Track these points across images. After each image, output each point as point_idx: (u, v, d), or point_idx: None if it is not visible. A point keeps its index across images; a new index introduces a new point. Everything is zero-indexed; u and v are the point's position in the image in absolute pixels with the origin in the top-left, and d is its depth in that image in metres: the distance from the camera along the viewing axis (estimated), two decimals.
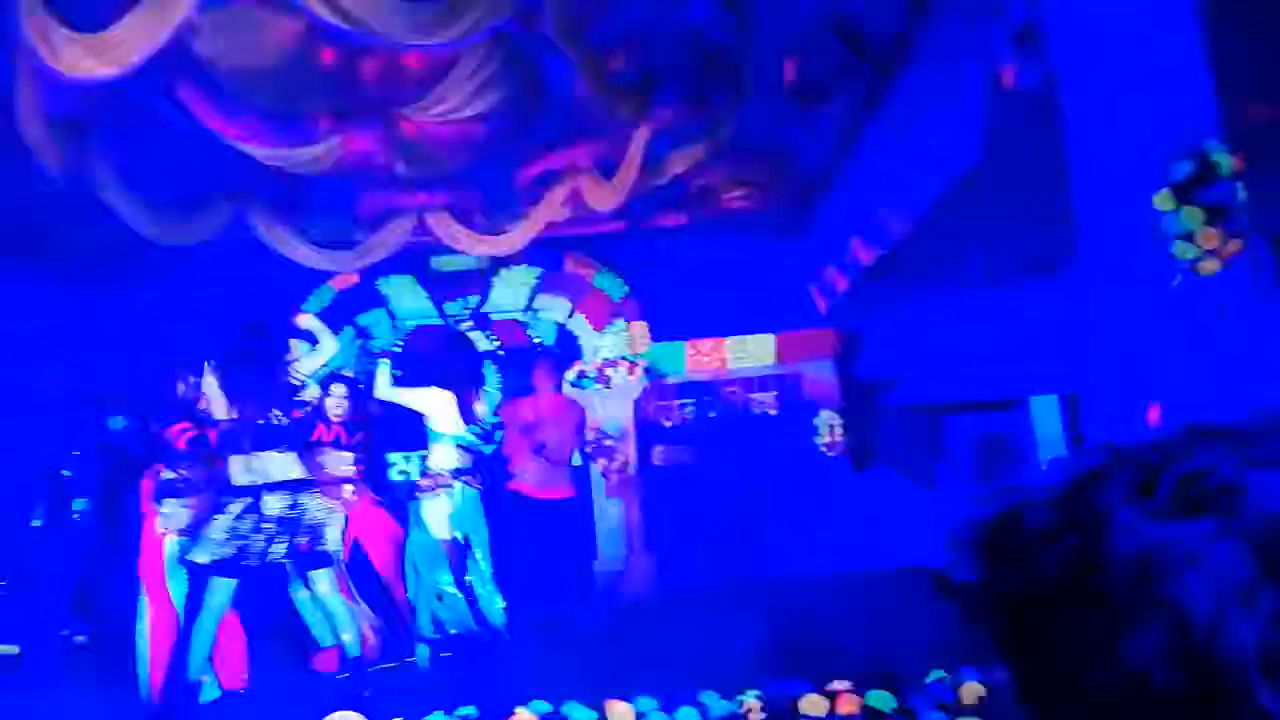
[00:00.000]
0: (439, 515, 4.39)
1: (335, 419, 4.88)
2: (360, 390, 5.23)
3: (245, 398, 3.99)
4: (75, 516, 5.55)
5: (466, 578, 4.49)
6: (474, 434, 4.67)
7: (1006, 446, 10.57)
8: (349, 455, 4.94)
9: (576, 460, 7.88)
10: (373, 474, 5.30)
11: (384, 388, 4.62)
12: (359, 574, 4.96)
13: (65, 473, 5.66)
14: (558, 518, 5.96)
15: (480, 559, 4.56)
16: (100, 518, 5.52)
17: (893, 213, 5.57)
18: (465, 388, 4.63)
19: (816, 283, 7.81)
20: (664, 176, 6.08)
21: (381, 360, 4.73)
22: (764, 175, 6.80)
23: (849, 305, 8.00)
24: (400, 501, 5.03)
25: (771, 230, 7.95)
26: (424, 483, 4.51)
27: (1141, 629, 0.51)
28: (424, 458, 4.72)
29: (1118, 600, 0.53)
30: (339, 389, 4.98)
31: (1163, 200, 2.75)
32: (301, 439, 4.16)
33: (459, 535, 4.46)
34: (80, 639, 6.51)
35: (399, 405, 4.76)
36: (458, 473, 4.50)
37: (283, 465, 4.01)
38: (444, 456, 4.50)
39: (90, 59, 3.45)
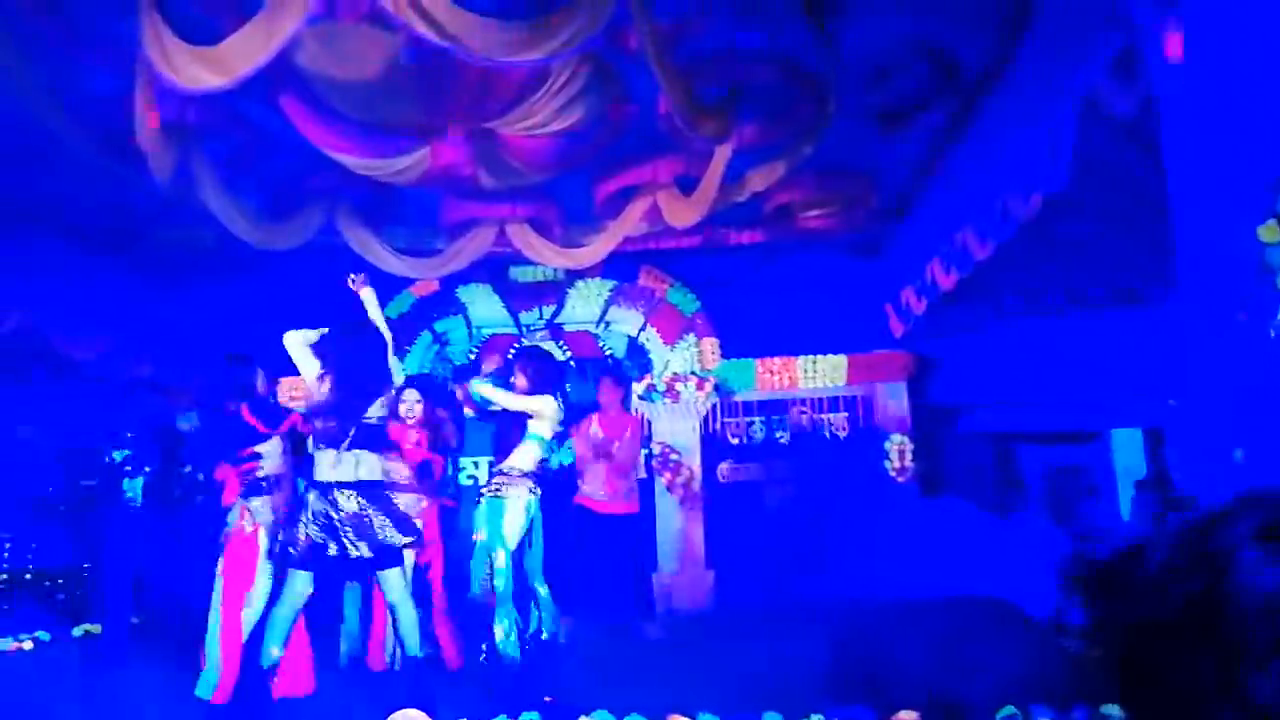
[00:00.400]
0: (510, 516, 4.41)
1: (409, 421, 4.99)
2: (431, 395, 5.36)
3: (352, 394, 4.07)
4: (129, 497, 5.63)
5: (527, 581, 4.51)
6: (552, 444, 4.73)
7: (1082, 479, 10.28)
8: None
9: (641, 473, 7.93)
10: (429, 477, 5.38)
11: (492, 393, 4.66)
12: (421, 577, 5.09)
13: (116, 455, 5.76)
14: (622, 532, 5.98)
15: (537, 564, 4.58)
16: (154, 502, 5.63)
17: (975, 236, 5.47)
18: (564, 400, 4.71)
19: (892, 304, 7.71)
20: (743, 194, 6.09)
21: (482, 380, 4.79)
22: (843, 195, 6.75)
23: (925, 328, 7.89)
24: (466, 505, 5.10)
25: (848, 250, 7.90)
26: (496, 481, 4.52)
27: (1269, 666, 0.51)
28: (492, 462, 4.75)
29: (1244, 638, 0.53)
30: (411, 394, 5.12)
31: (1268, 232, 2.66)
32: (386, 442, 4.23)
33: (520, 538, 4.47)
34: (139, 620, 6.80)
35: (473, 412, 4.81)
36: (532, 476, 4.52)
37: (370, 466, 4.09)
38: (526, 457, 4.52)
39: (203, 70, 3.63)
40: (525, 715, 3.44)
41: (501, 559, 4.39)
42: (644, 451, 7.99)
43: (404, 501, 4.74)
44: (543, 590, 4.61)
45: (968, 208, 5.59)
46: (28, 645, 5.91)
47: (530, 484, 4.48)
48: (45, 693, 4.72)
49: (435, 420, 5.29)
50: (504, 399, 4.59)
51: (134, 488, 5.34)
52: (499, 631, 4.38)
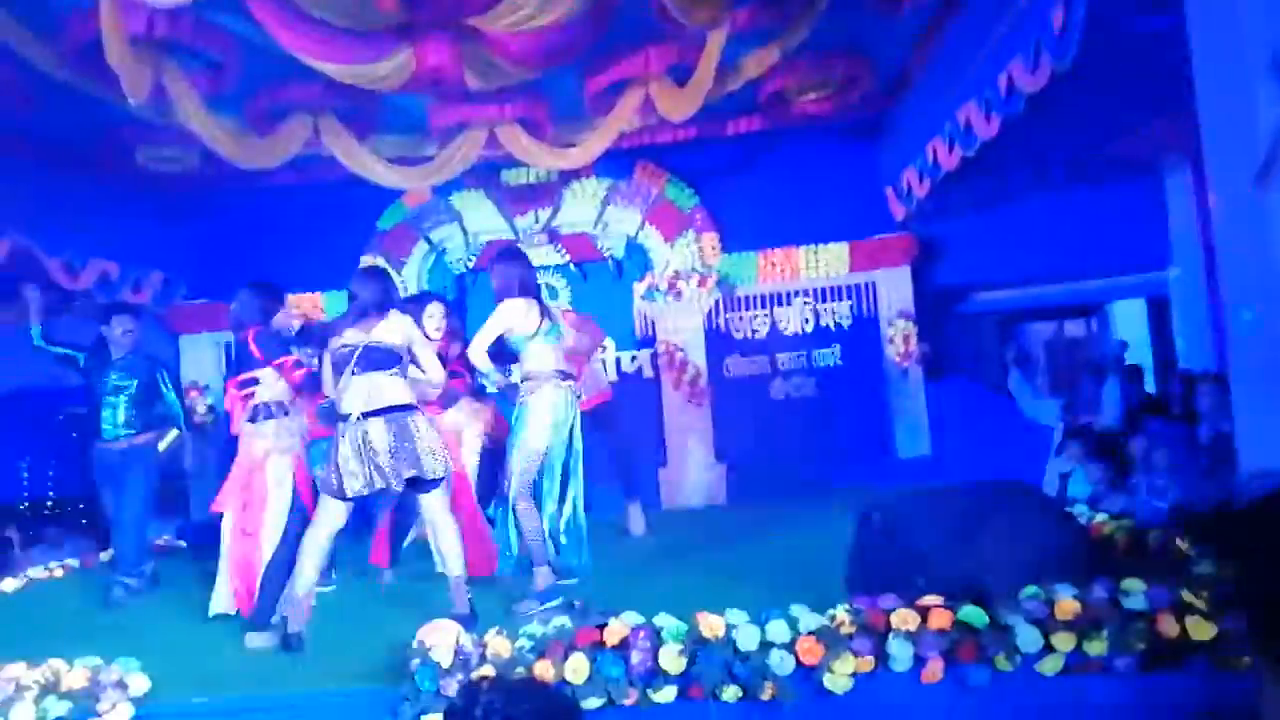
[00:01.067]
0: (541, 418, 4.31)
1: (434, 338, 4.92)
2: (451, 306, 5.26)
3: (361, 321, 4.01)
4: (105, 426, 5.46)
5: (556, 488, 4.46)
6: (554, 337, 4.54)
7: (1086, 353, 10.33)
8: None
9: (648, 371, 7.90)
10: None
11: (476, 351, 4.41)
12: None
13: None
14: (600, 423, 5.90)
15: (575, 469, 4.52)
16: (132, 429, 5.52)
17: (980, 112, 5.31)
18: (534, 295, 4.47)
19: (893, 187, 7.57)
20: (737, 82, 5.90)
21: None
22: (840, 76, 6.53)
23: (927, 210, 7.76)
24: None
25: (846, 134, 7.69)
26: (524, 386, 4.36)
27: None
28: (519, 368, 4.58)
29: None
30: (436, 307, 4.98)
31: None
32: (395, 362, 4.11)
33: (560, 441, 4.42)
34: (182, 544, 6.93)
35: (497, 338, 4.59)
36: (560, 374, 4.39)
37: (392, 389, 3.99)
38: (541, 357, 4.38)
39: None
40: (556, 619, 3.50)
41: (518, 463, 4.36)
42: (648, 351, 8.01)
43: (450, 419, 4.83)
44: (574, 510, 4.54)
45: (970, 83, 5.41)
46: (59, 573, 6.00)
47: (557, 381, 4.35)
48: (61, 620, 4.81)
49: (459, 333, 5.20)
50: (485, 340, 4.38)
51: (112, 417, 5.24)
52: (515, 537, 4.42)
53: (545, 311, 4.53)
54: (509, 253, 4.81)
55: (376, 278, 4.26)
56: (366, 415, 3.94)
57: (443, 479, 4.13)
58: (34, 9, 4.36)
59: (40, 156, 6.35)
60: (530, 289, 4.52)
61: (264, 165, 5.91)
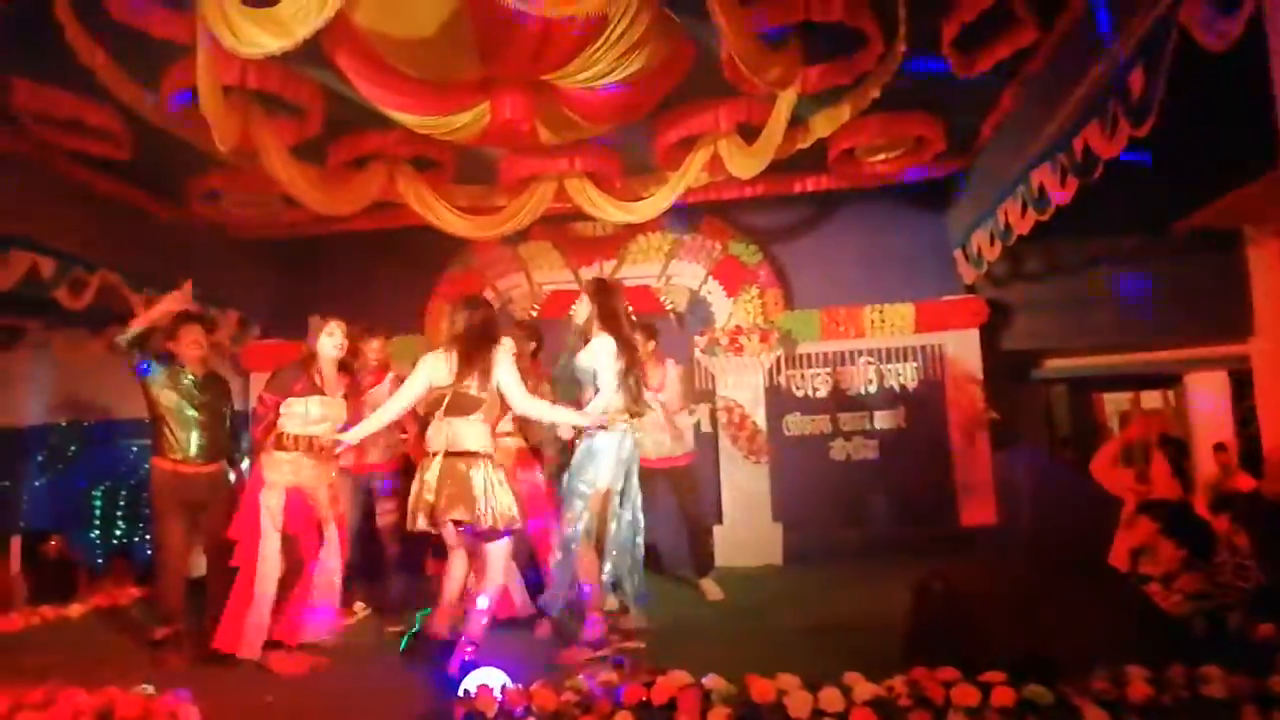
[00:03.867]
0: (610, 456, 4.24)
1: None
2: None
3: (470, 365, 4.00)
4: None
5: (621, 532, 4.39)
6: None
7: (1163, 424, 9.95)
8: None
9: (688, 421, 7.80)
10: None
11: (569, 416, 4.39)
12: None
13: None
14: (673, 485, 5.81)
15: (635, 514, 4.43)
16: None
17: (1055, 177, 5.23)
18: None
19: (963, 250, 7.47)
20: (807, 140, 5.93)
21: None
22: (910, 137, 6.51)
23: (998, 274, 7.64)
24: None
25: (915, 195, 7.64)
26: (592, 425, 4.28)
27: None
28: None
29: None
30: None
31: None
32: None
33: (618, 485, 4.35)
34: None
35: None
36: (623, 417, 4.32)
37: (472, 433, 4.00)
38: (612, 398, 4.30)
39: (264, 35, 3.59)
40: (603, 675, 3.43)
41: (590, 505, 4.28)
42: (707, 406, 7.93)
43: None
44: (638, 550, 4.46)
45: (1046, 146, 5.34)
46: (123, 601, 6.12)
47: (624, 421, 4.29)
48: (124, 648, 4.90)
49: None
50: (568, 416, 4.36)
51: (190, 437, 5.04)
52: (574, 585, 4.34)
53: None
54: (603, 285, 4.64)
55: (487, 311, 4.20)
56: (442, 455, 3.97)
57: (497, 529, 4.02)
58: (134, 56, 4.59)
59: (132, 195, 6.64)
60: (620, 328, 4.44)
61: (341, 212, 6.09)
